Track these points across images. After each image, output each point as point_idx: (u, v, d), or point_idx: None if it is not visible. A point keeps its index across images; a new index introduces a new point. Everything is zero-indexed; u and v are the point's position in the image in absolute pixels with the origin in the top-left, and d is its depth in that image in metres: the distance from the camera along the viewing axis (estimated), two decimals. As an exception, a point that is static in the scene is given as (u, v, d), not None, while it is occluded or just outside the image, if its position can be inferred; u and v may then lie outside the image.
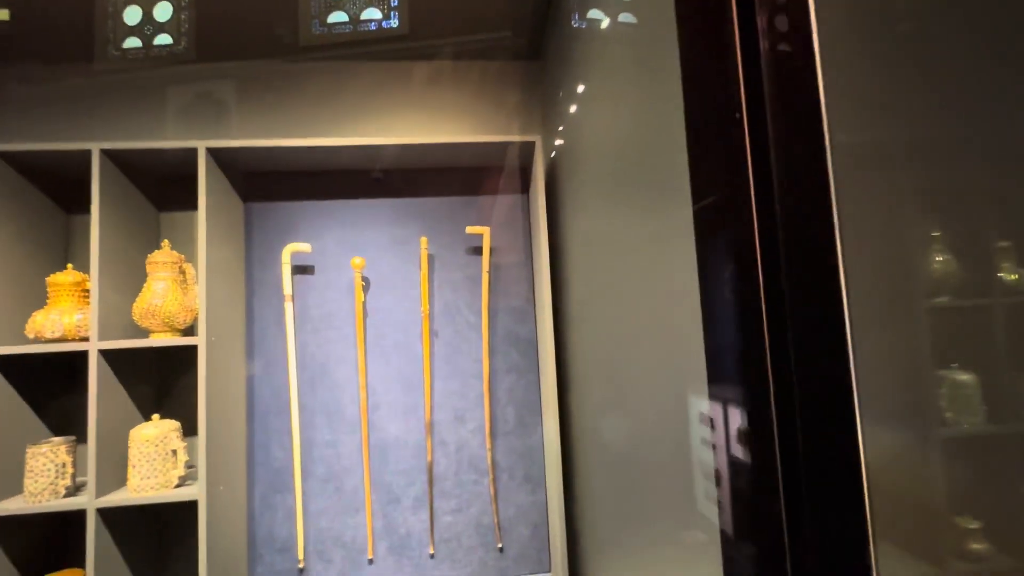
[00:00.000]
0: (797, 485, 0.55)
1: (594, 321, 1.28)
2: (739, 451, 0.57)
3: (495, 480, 1.72)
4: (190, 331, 1.56)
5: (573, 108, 1.43)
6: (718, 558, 0.64)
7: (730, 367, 0.57)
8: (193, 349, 1.46)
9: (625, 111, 1.00)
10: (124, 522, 1.48)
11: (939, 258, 0.65)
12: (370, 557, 1.66)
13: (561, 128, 1.60)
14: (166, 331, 1.50)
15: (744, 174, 0.58)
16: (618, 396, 1.12)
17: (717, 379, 0.60)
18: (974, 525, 0.58)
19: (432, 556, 1.69)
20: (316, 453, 1.69)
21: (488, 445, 1.72)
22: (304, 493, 1.66)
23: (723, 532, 0.58)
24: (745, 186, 0.58)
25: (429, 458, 1.70)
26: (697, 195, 0.61)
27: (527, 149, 1.66)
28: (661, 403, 0.84)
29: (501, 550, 1.71)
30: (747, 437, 0.57)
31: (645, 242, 0.90)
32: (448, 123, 1.86)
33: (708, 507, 0.64)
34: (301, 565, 1.64)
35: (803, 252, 0.54)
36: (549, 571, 1.71)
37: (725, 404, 0.58)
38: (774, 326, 0.56)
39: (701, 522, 0.68)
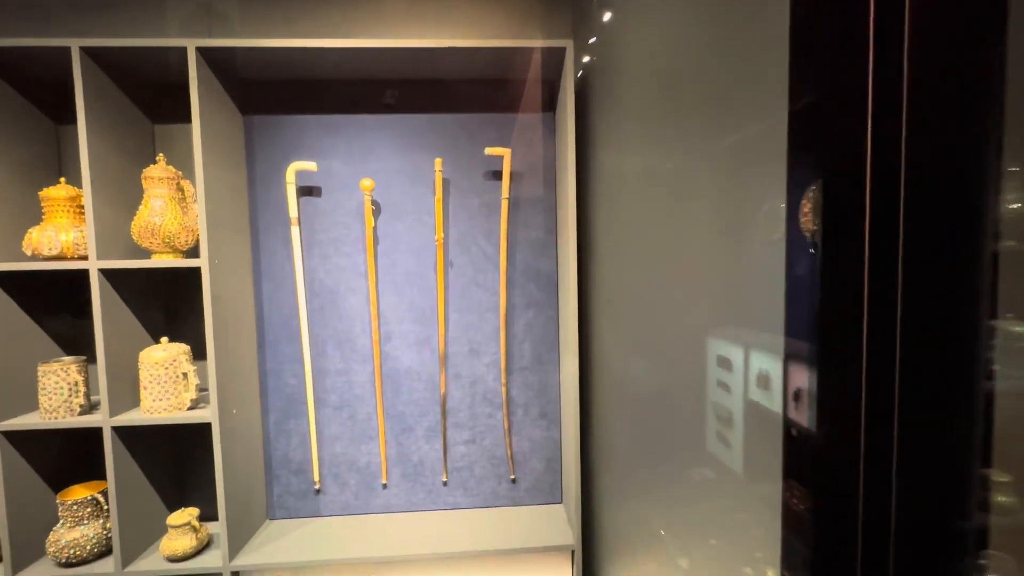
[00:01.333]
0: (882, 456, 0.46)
1: (622, 256, 1.16)
2: (816, 411, 0.47)
3: (509, 414, 1.70)
4: (193, 253, 1.48)
5: (612, 7, 1.22)
6: (727, 495, 0.63)
7: (816, 316, 0.46)
8: (197, 272, 1.39)
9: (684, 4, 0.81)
10: (142, 441, 1.49)
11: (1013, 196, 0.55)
12: (384, 482, 1.69)
13: (595, 36, 1.38)
14: (167, 252, 1.42)
15: (863, 59, 0.43)
16: (640, 336, 1.03)
17: (795, 330, 0.49)
18: (1004, 479, 0.54)
19: (445, 484, 1.70)
20: (328, 381, 1.66)
21: (503, 380, 1.68)
22: (318, 420, 1.66)
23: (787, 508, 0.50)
24: (862, 76, 0.44)
25: (443, 390, 1.67)
26: (796, 92, 0.47)
27: (555, 57, 1.46)
28: (683, 345, 0.79)
29: (514, 481, 1.72)
30: (829, 398, 0.47)
31: (696, 166, 0.75)
32: (466, 26, 1.64)
33: (719, 447, 0.64)
34: (317, 486, 1.67)
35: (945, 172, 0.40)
36: (561, 503, 1.73)
37: (804, 358, 0.48)
38: (880, 267, 0.44)
39: (711, 461, 0.68)
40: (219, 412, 1.40)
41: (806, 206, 0.48)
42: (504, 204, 1.61)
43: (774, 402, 0.54)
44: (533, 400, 1.71)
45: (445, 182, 1.64)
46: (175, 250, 1.44)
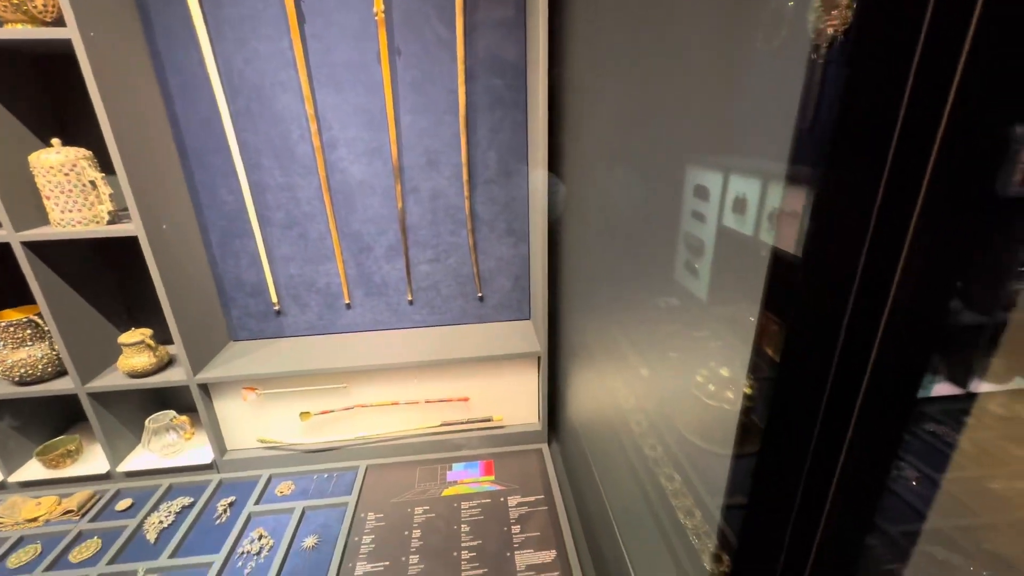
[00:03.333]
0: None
1: (605, 47, 0.91)
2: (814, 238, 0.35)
3: (474, 231, 1.59)
4: (61, 25, 1.16)
5: None
6: (687, 320, 0.65)
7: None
8: (68, 47, 1.09)
9: None
10: (68, 260, 1.36)
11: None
12: (347, 302, 1.63)
13: None
14: (22, 19, 1.10)
15: None
16: (618, 148, 0.87)
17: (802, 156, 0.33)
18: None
19: (411, 303, 1.67)
20: (271, 198, 1.49)
21: (466, 193, 1.53)
22: (266, 239, 1.52)
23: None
24: None
25: (400, 205, 1.52)
26: None
27: None
28: (663, 165, 0.69)
29: (481, 299, 1.69)
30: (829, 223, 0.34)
31: None
32: None
33: (685, 276, 0.65)
34: (277, 308, 1.61)
35: None
36: (529, 318, 1.73)
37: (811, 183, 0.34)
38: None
39: (676, 289, 0.68)
40: (144, 225, 1.24)
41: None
42: (459, -36, 1.28)
43: (748, 228, 0.50)
44: (499, 216, 1.59)
45: (381, -67, 1.26)
46: (33, 19, 1.12)
